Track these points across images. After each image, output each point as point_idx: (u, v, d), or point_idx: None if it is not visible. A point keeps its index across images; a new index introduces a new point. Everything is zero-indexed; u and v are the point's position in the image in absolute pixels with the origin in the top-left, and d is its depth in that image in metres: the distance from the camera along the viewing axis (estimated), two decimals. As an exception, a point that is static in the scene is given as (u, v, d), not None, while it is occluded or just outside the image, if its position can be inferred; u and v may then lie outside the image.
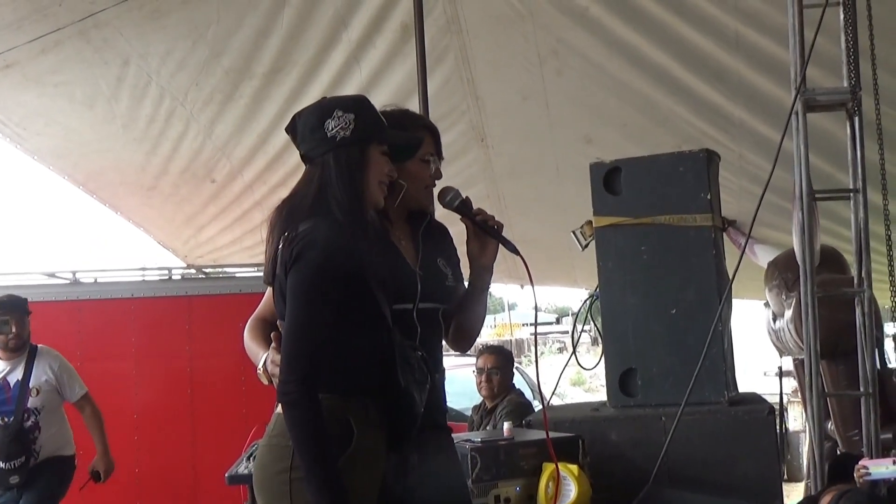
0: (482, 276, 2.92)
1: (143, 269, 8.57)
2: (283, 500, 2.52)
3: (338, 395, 2.54)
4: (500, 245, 2.94)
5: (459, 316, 3.01)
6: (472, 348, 3.33)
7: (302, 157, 2.70)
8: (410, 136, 2.84)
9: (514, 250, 2.84)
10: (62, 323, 7.66)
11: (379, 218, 2.83)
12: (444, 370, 3.00)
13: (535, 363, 3.61)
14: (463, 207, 2.91)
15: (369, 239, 2.64)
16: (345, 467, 2.47)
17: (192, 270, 9.01)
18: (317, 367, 2.48)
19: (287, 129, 2.73)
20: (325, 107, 2.67)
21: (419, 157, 2.90)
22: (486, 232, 2.87)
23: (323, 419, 2.45)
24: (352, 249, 2.54)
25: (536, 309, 2.98)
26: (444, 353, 3.08)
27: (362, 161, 2.64)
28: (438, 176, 2.95)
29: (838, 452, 5.81)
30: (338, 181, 2.60)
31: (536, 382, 3.11)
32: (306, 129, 2.67)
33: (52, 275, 8.12)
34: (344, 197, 2.59)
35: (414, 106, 6.19)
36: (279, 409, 2.55)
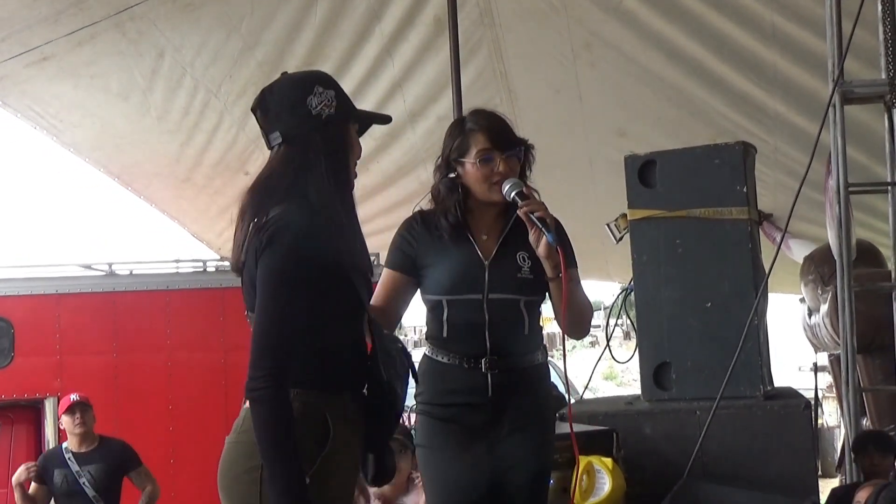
0: (546, 266, 2.91)
1: (178, 261, 8.61)
2: (251, 500, 2.33)
3: (316, 391, 2.38)
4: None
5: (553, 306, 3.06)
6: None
7: (277, 136, 2.46)
8: (379, 115, 2.76)
9: (554, 242, 2.83)
10: (98, 314, 7.72)
11: (456, 213, 2.95)
12: (540, 360, 3.04)
13: (563, 355, 3.62)
14: (517, 198, 2.91)
15: (352, 221, 2.51)
16: (321, 467, 2.35)
17: (226, 263, 9.04)
18: (288, 362, 2.30)
19: (256, 107, 2.50)
20: (304, 83, 2.48)
21: (471, 160, 2.95)
22: (530, 223, 2.87)
23: (292, 418, 2.28)
24: (327, 234, 2.38)
25: (567, 302, 2.94)
26: None
27: (346, 141, 2.50)
28: (498, 170, 2.95)
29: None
30: (326, 162, 2.43)
31: (565, 378, 3.11)
32: (284, 106, 2.46)
33: (88, 266, 8.19)
34: (330, 179, 2.43)
35: (447, 100, 6.20)
36: (247, 404, 2.36)
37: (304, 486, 2.25)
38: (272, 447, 2.26)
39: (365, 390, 2.49)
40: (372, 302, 2.90)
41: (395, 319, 3.12)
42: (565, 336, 3.05)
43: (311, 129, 2.43)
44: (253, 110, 2.53)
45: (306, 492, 2.25)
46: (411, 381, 2.77)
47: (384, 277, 3.07)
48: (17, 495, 5.96)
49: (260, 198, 2.43)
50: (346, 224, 2.46)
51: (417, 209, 3.10)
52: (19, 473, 5.98)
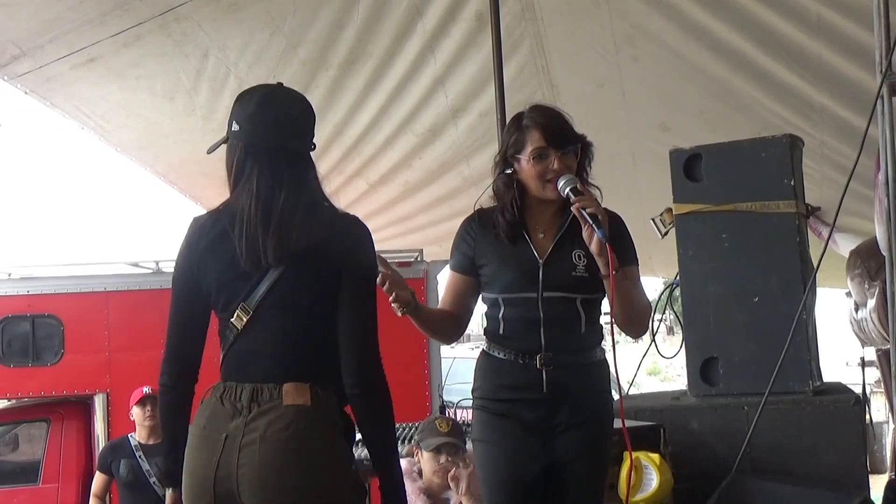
0: (599, 262, 2.91)
1: (222, 258, 8.66)
2: (340, 488, 2.48)
3: (339, 391, 2.54)
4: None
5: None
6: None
7: (307, 140, 2.64)
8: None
9: (604, 238, 2.83)
10: (145, 311, 7.78)
11: (513, 210, 3.00)
12: (599, 357, 3.08)
13: (612, 350, 3.59)
14: (571, 194, 2.92)
15: None
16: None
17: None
18: None
19: (306, 111, 2.65)
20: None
21: (526, 157, 2.98)
22: (582, 219, 2.87)
23: None
24: None
25: (618, 300, 2.94)
26: None
27: None
28: (553, 167, 2.96)
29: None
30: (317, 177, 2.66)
31: (615, 373, 3.13)
32: (311, 127, 2.66)
33: (135, 264, 8.28)
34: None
35: (489, 95, 6.20)
36: (295, 400, 2.46)
37: None
38: (393, 429, 2.60)
39: None
40: (440, 304, 3.12)
41: (465, 320, 3.16)
42: (612, 331, 3.04)
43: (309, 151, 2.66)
44: (303, 117, 2.64)
45: None
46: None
47: (449, 279, 3.14)
48: None
49: (316, 193, 2.59)
50: None
51: (477, 206, 3.14)
52: None
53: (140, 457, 6.06)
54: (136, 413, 6.19)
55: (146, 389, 6.19)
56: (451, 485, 4.02)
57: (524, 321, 2.97)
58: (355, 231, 2.56)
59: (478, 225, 3.08)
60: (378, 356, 2.52)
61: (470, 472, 3.95)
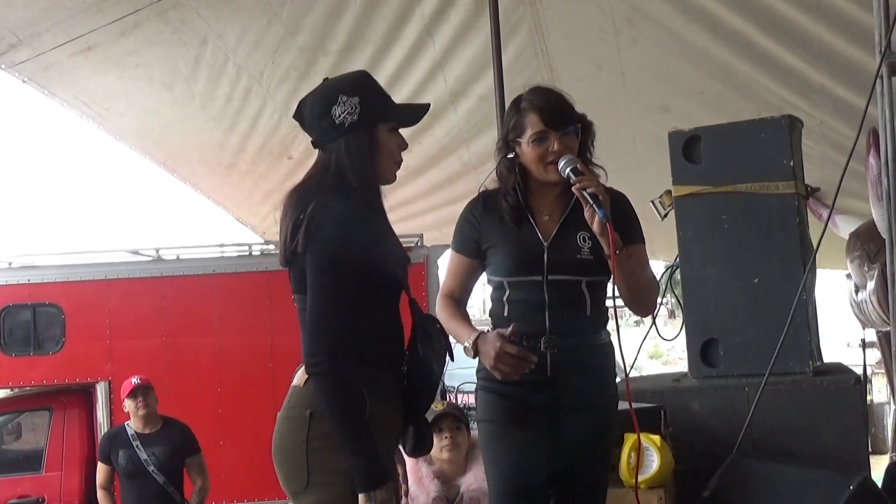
0: (602, 243, 2.90)
1: (222, 245, 8.69)
2: (300, 470, 2.53)
3: (352, 368, 2.51)
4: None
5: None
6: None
7: (313, 143, 2.71)
8: (414, 106, 2.84)
9: (605, 218, 2.82)
10: (146, 299, 7.82)
11: (516, 194, 2.98)
12: (604, 340, 3.05)
13: (616, 333, 3.63)
14: (571, 175, 2.91)
15: (383, 217, 2.69)
16: None
17: (271, 246, 9.10)
18: (343, 339, 2.49)
19: (295, 117, 2.73)
20: (329, 92, 2.66)
21: (526, 140, 2.97)
22: (584, 199, 2.86)
23: (352, 389, 2.47)
24: (367, 225, 2.58)
25: (622, 279, 2.94)
26: None
27: (372, 144, 2.64)
28: (553, 149, 2.95)
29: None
30: (351, 168, 2.61)
31: (620, 355, 3.14)
32: (313, 117, 2.66)
33: (135, 252, 8.30)
34: (359, 182, 2.61)
35: (489, 79, 6.18)
36: (296, 381, 2.60)
37: (373, 447, 2.46)
38: (340, 417, 2.45)
39: (404, 367, 2.68)
40: (442, 286, 3.12)
41: (465, 301, 3.17)
42: (616, 314, 3.04)
43: (336, 137, 2.63)
44: (295, 118, 2.74)
45: (376, 452, 2.46)
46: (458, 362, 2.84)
47: (452, 261, 3.14)
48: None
49: (298, 198, 2.62)
50: (377, 215, 2.66)
51: (482, 189, 3.13)
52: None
53: (137, 446, 6.05)
54: (128, 405, 6.16)
55: (135, 380, 6.17)
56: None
57: (529, 304, 2.97)
58: (317, 212, 2.54)
59: (482, 207, 3.06)
60: (320, 338, 2.48)
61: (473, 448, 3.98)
